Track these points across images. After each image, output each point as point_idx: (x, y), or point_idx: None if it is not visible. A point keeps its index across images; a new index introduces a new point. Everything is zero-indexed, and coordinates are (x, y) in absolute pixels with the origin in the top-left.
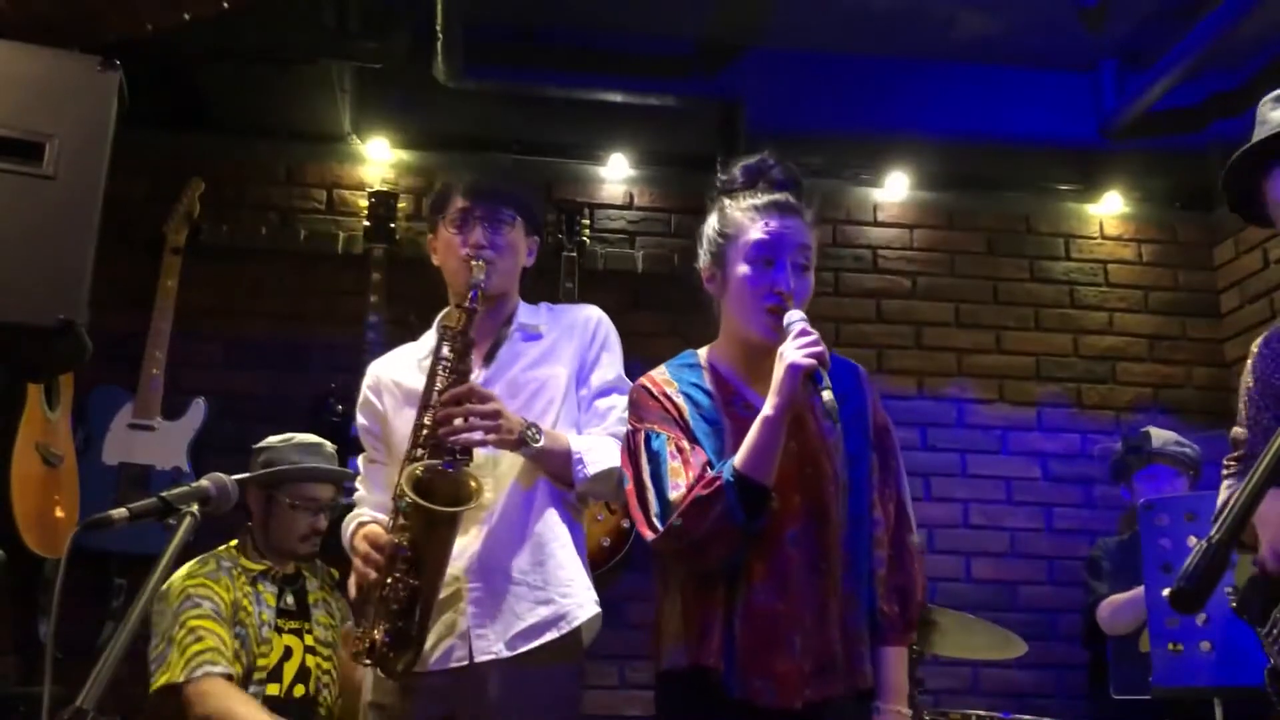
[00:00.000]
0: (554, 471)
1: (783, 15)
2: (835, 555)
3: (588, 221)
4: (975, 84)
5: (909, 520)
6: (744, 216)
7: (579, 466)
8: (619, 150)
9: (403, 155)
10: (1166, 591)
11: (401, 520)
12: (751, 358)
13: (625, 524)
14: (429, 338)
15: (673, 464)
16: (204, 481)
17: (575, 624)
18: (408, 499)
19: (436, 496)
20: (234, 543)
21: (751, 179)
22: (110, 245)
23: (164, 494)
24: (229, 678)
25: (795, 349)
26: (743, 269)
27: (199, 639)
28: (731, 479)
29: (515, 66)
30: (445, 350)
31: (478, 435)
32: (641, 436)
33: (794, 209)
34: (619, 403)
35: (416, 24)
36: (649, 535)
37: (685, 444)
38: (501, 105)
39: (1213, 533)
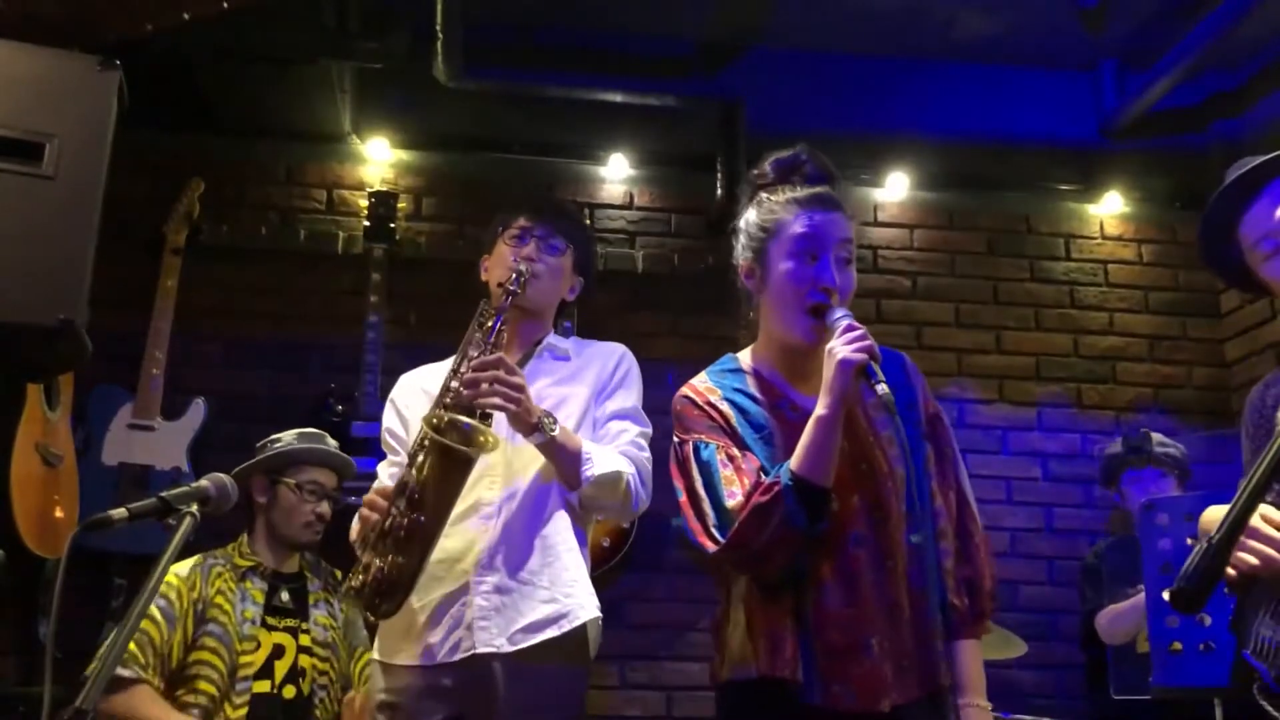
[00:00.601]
0: (563, 469)
1: (783, 15)
2: (900, 552)
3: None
4: (975, 84)
5: (972, 509)
6: (784, 210)
7: (586, 465)
8: (619, 150)
9: (403, 155)
10: (1167, 592)
11: (414, 470)
12: (794, 359)
13: (625, 524)
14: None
15: (725, 472)
16: (204, 481)
17: (576, 623)
18: (426, 439)
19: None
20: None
21: (785, 173)
22: (110, 245)
23: (164, 494)
24: (138, 680)
25: (844, 345)
26: (785, 264)
27: None
28: (790, 483)
29: (515, 66)
30: (479, 326)
31: (498, 400)
32: (690, 448)
33: (835, 202)
34: (631, 428)
35: (416, 24)
36: (710, 547)
37: (735, 451)
38: (501, 105)
39: (1212, 533)
